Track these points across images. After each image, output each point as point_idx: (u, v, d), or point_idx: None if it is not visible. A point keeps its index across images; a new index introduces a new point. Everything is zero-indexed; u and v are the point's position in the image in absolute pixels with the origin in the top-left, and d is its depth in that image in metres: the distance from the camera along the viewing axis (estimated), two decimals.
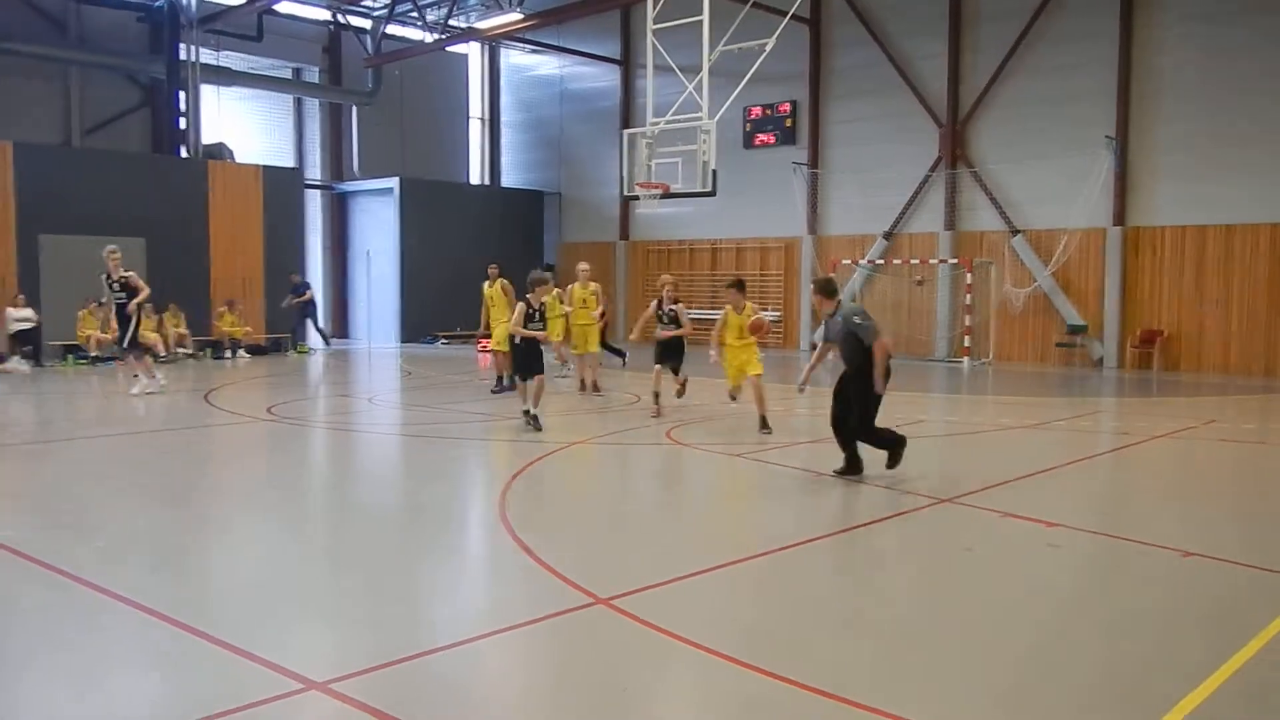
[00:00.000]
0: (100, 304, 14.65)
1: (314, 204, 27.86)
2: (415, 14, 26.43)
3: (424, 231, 26.58)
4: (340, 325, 28.87)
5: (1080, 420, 13.44)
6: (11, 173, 19.51)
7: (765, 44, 16.44)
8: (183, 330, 20.94)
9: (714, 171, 15.69)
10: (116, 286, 14.14)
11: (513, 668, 4.65)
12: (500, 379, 14.76)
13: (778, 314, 25.40)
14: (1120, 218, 20.08)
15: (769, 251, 25.60)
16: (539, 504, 8.10)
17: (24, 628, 5.02)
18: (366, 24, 27.73)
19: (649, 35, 16.49)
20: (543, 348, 11.55)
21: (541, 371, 11.36)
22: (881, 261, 23.35)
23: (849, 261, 23.52)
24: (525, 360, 11.40)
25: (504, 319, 14.12)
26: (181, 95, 23.36)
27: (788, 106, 24.59)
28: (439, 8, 26.88)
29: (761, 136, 25.03)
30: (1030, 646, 4.87)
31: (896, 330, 22.63)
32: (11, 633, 4.95)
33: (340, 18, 27.48)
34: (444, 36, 26.80)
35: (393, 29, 27.50)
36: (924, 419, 13.35)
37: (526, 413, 11.27)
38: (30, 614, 5.21)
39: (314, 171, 28.22)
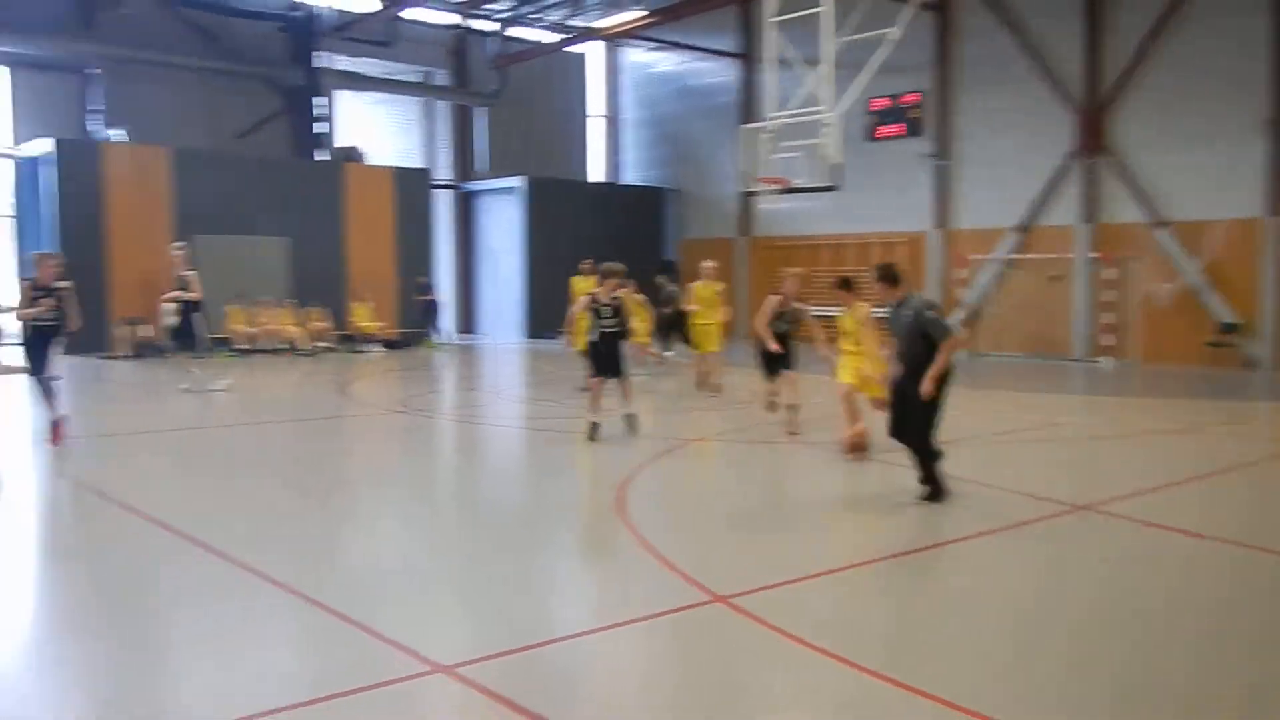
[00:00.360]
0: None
1: (442, 203, 28.61)
2: (537, 16, 26.87)
3: (547, 229, 26.99)
4: (466, 321, 29.59)
5: (1232, 425, 12.71)
6: (170, 176, 20.69)
7: (890, 33, 16.09)
8: (323, 325, 21.83)
9: (837, 165, 15.43)
10: (178, 284, 14.32)
11: (631, 661, 4.69)
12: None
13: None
14: (1279, 207, 18.89)
15: (894, 247, 25.03)
16: (658, 500, 8.12)
17: (176, 601, 5.34)
18: (491, 27, 28.33)
19: (769, 28, 16.35)
20: (622, 346, 10.61)
21: (619, 373, 10.44)
22: (1014, 256, 22.57)
23: (979, 256, 22.84)
24: (601, 360, 10.36)
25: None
26: (318, 101, 24.32)
27: (914, 97, 24.00)
28: (560, 9, 27.25)
29: (886, 128, 24.49)
30: (1159, 662, 4.65)
31: (1032, 328, 21.87)
32: (165, 605, 5.28)
33: (466, 22, 28.15)
34: (565, 37, 27.16)
35: (516, 31, 28.01)
36: (1061, 420, 12.86)
37: (595, 425, 10.26)
38: (182, 588, 5.53)
39: (442, 171, 28.98)
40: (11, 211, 22.10)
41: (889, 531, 7.07)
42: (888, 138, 24.38)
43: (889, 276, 7.99)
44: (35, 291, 9.95)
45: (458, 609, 5.35)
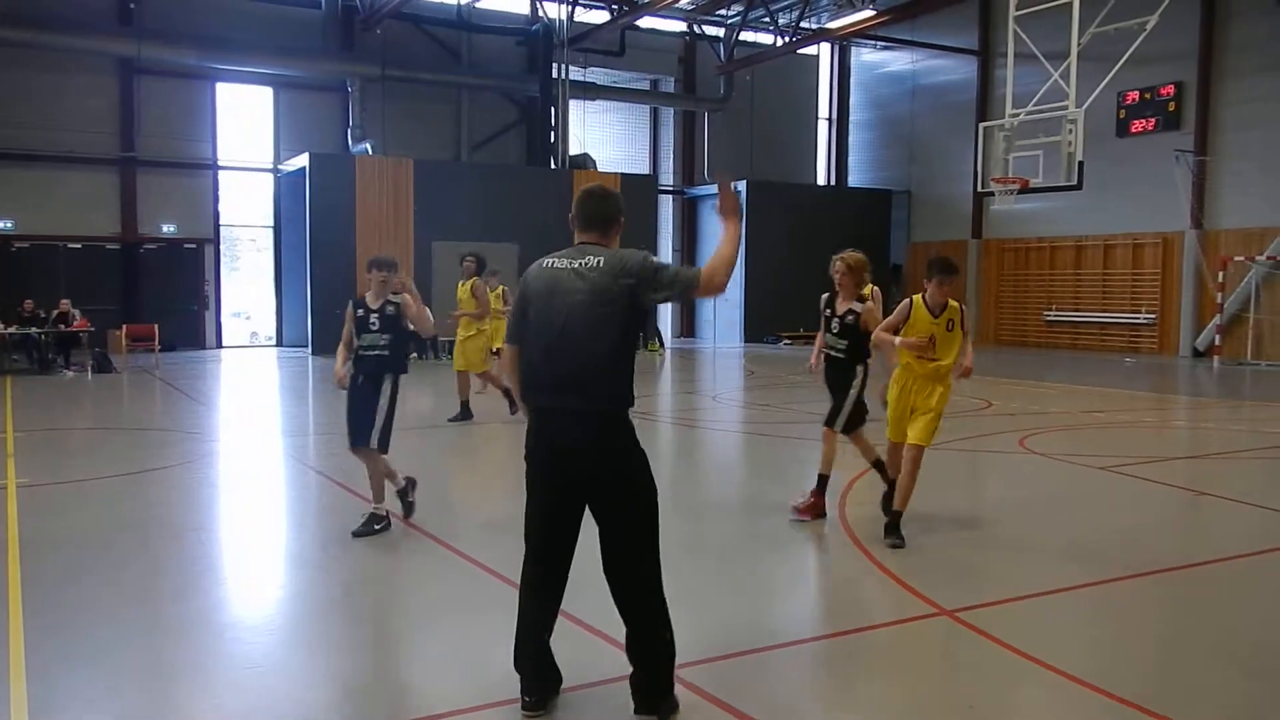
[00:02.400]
0: None
1: (665, 208, 29.09)
2: (767, 19, 26.84)
3: (768, 233, 26.86)
4: (688, 326, 29.93)
5: None
6: (412, 186, 22.10)
7: (1147, 22, 15.03)
8: None
9: (1080, 163, 14.58)
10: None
11: (852, 672, 4.56)
12: (465, 405, 12.12)
13: (1152, 316, 23.11)
14: None
15: (1143, 248, 23.34)
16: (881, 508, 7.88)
17: (418, 590, 5.69)
18: (720, 32, 28.56)
19: (1010, 23, 15.63)
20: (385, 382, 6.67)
21: (365, 442, 6.61)
22: None
23: (1243, 258, 20.90)
24: (351, 405, 6.69)
25: (473, 331, 12.12)
26: (552, 110, 25.28)
27: (1170, 89, 22.26)
28: (791, 11, 27.11)
29: (1138, 123, 22.84)
30: None
31: None
32: (408, 593, 5.63)
33: (696, 28, 28.50)
34: (795, 39, 27.00)
35: (745, 35, 28.10)
36: None
37: (379, 512, 6.69)
38: (423, 578, 5.88)
39: (666, 178, 29.45)
40: (271, 223, 24.32)
41: (1138, 549, 6.54)
42: (1139, 133, 22.75)
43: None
44: None
45: (676, 611, 5.38)
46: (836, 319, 7.05)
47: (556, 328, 3.72)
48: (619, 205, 3.96)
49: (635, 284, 3.69)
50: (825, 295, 7.21)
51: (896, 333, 6.43)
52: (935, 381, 6.43)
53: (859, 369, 7.03)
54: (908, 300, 6.50)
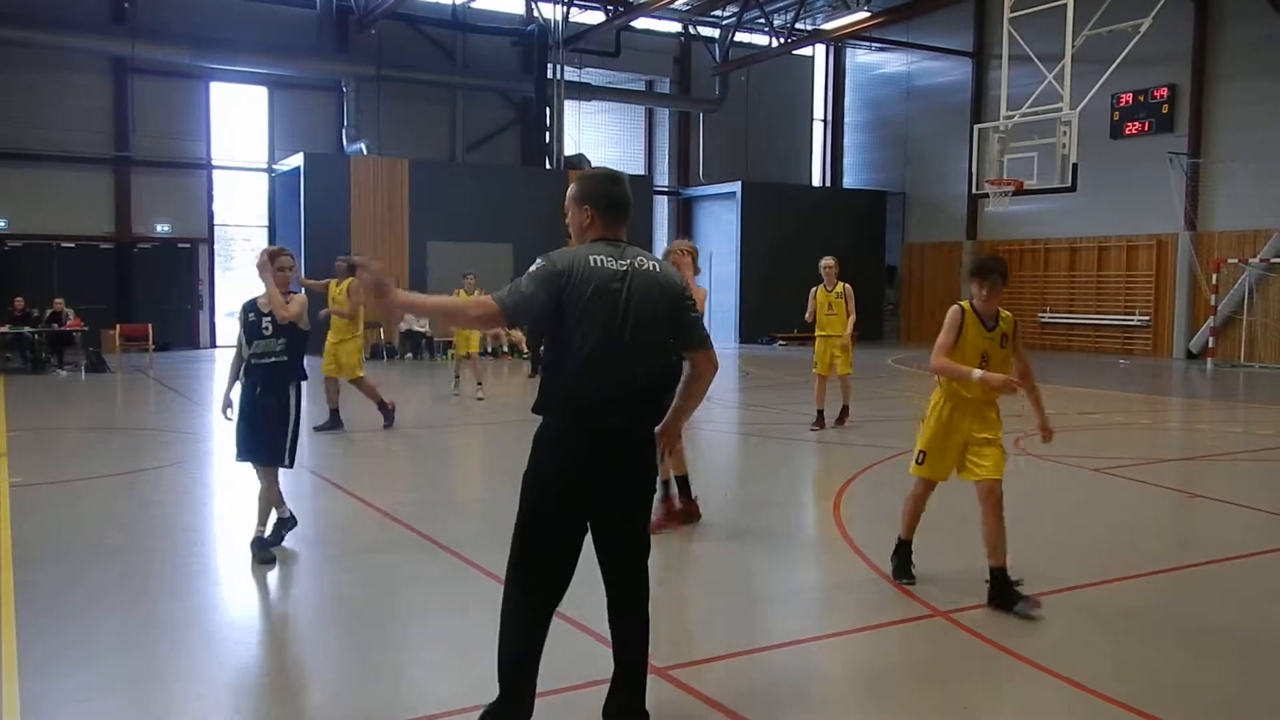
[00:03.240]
0: None
1: (660, 209, 29.08)
2: (762, 20, 26.87)
3: (763, 234, 26.91)
4: None
5: None
6: (407, 187, 22.08)
7: (1141, 24, 15.07)
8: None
9: (1074, 165, 14.61)
10: None
11: (847, 672, 4.57)
12: (335, 413, 11.11)
13: (1146, 318, 23.17)
14: None
15: (1137, 250, 23.39)
16: (876, 509, 7.89)
17: (410, 593, 5.66)
18: (715, 33, 28.58)
19: (1005, 24, 15.66)
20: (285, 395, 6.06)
21: (272, 460, 6.06)
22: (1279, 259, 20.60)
23: (1236, 260, 20.96)
24: (242, 424, 6.06)
25: (347, 335, 11.20)
26: (547, 111, 25.28)
27: (1164, 91, 22.31)
28: (786, 12, 27.14)
29: (1132, 125, 22.89)
30: None
31: None
32: (401, 597, 5.61)
33: (691, 29, 28.52)
34: (790, 40, 27.02)
35: (740, 36, 28.13)
36: None
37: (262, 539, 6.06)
38: (416, 579, 5.85)
39: (662, 178, 29.44)
40: (265, 223, 24.28)
41: (1134, 550, 6.55)
42: (1133, 135, 22.80)
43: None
44: None
45: (673, 613, 5.38)
46: None
47: (623, 338, 3.31)
48: None
49: (680, 303, 3.47)
50: None
51: (950, 352, 5.21)
52: (986, 407, 5.31)
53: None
54: (956, 309, 5.26)
